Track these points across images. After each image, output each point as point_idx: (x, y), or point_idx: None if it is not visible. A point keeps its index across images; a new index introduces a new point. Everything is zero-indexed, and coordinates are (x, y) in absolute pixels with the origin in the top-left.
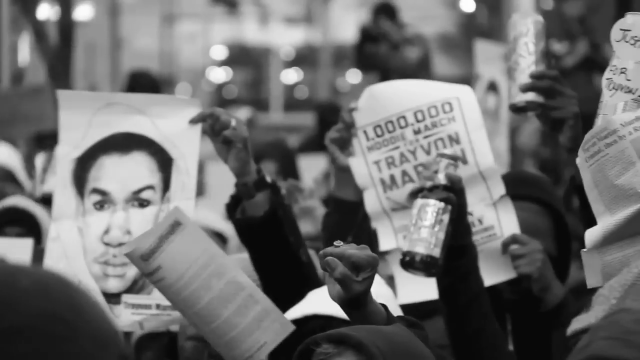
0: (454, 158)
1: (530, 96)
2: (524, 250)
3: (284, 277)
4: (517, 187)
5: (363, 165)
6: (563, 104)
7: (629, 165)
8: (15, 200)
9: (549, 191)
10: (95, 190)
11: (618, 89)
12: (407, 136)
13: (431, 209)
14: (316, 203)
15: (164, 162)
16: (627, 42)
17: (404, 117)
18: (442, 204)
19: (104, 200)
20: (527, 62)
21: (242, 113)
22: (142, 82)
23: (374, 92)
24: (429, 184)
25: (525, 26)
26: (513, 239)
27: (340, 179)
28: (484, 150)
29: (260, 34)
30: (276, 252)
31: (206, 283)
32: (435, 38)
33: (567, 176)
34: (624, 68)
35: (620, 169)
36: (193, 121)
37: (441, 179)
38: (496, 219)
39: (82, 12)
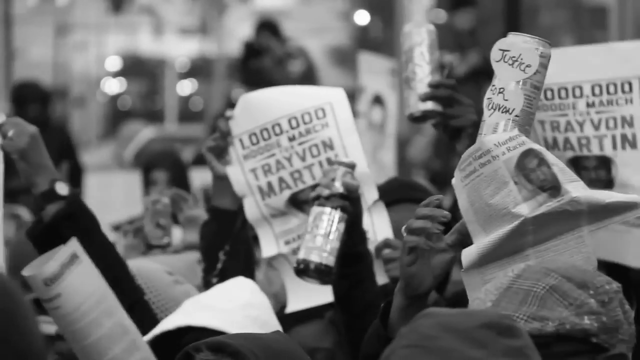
0: (351, 166)
1: (429, 105)
2: (395, 255)
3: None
4: (407, 191)
5: (240, 174)
6: (461, 112)
7: (502, 185)
8: None
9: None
10: None
11: (496, 108)
12: (282, 143)
13: (327, 217)
14: (201, 212)
15: None
16: (505, 62)
17: (278, 124)
18: (338, 213)
19: None
20: (425, 72)
21: (146, 132)
22: (29, 93)
23: (249, 100)
24: (326, 192)
25: (420, 36)
26: (385, 244)
27: (218, 188)
28: (357, 155)
29: (154, 44)
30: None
31: (98, 319)
32: (329, 50)
33: None
34: (502, 88)
35: (494, 188)
36: None
37: (338, 187)
38: (370, 223)
39: None
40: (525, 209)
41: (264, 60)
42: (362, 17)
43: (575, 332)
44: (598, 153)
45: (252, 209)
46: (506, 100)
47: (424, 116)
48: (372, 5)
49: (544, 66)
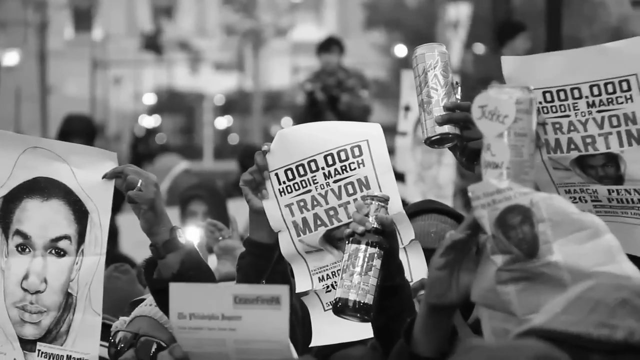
0: (384, 200)
1: (447, 128)
2: None
3: None
4: (429, 204)
5: (276, 208)
6: (479, 134)
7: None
8: None
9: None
10: (18, 232)
11: (488, 166)
12: (318, 180)
13: (363, 254)
14: (237, 243)
15: (80, 213)
16: (485, 117)
17: (314, 160)
18: (373, 249)
19: (25, 244)
20: (440, 95)
21: (180, 166)
22: (76, 127)
23: (285, 135)
24: (360, 228)
25: (434, 58)
26: (422, 284)
27: (254, 221)
28: (392, 194)
29: (191, 80)
30: None
31: None
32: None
33: None
34: (489, 144)
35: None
36: (105, 177)
37: (372, 222)
38: (406, 263)
39: (9, 58)
40: (499, 260)
41: (343, 96)
42: (401, 50)
43: None
44: (605, 151)
45: (287, 244)
46: (493, 155)
47: (442, 139)
48: (410, 38)
49: (524, 112)
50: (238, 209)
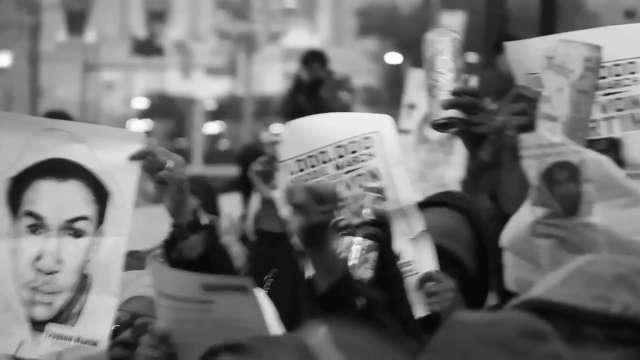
0: (380, 190)
1: (452, 112)
2: (437, 288)
3: None
4: (444, 196)
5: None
6: (484, 119)
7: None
8: None
9: (474, 207)
10: (29, 213)
11: (544, 117)
12: (329, 171)
13: (358, 246)
14: (233, 240)
15: (100, 194)
16: (550, 69)
17: (325, 152)
18: (368, 242)
19: (37, 225)
20: (447, 79)
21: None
22: None
23: (296, 126)
24: (355, 220)
25: (442, 44)
26: (429, 276)
27: (265, 211)
28: (403, 187)
29: (182, 84)
30: None
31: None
32: (360, 91)
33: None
34: (549, 96)
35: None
36: (132, 158)
37: (367, 214)
38: (415, 254)
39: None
40: (539, 212)
41: (321, 90)
42: (394, 58)
43: (639, 320)
44: (607, 135)
45: None
46: (552, 108)
47: (447, 124)
48: (403, 46)
49: (591, 70)
50: (230, 204)
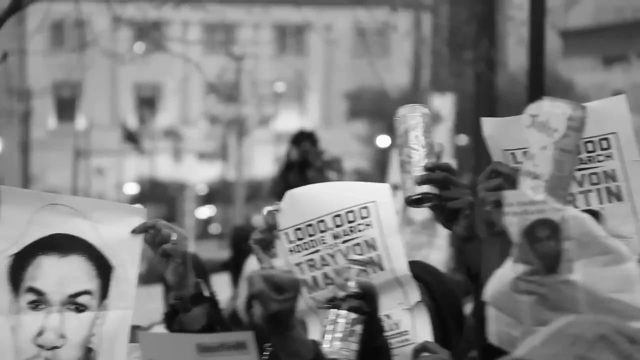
0: (364, 264)
1: (426, 188)
2: (431, 359)
3: None
4: (418, 270)
5: (286, 267)
6: (458, 194)
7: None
8: None
9: (438, 278)
10: (31, 290)
11: (528, 176)
12: (326, 240)
13: (343, 320)
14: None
15: (103, 268)
16: (534, 127)
17: (323, 221)
18: (354, 315)
19: (39, 301)
20: (420, 155)
21: None
22: None
23: (295, 195)
24: (341, 293)
25: (415, 119)
26: (423, 347)
27: None
28: (399, 257)
29: (173, 169)
30: None
31: None
32: (351, 173)
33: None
34: (532, 154)
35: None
36: (135, 231)
37: (352, 286)
38: (411, 325)
39: None
40: (520, 269)
41: (308, 171)
42: (384, 141)
43: None
44: (585, 208)
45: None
46: (536, 166)
47: (421, 199)
48: (393, 129)
49: (574, 129)
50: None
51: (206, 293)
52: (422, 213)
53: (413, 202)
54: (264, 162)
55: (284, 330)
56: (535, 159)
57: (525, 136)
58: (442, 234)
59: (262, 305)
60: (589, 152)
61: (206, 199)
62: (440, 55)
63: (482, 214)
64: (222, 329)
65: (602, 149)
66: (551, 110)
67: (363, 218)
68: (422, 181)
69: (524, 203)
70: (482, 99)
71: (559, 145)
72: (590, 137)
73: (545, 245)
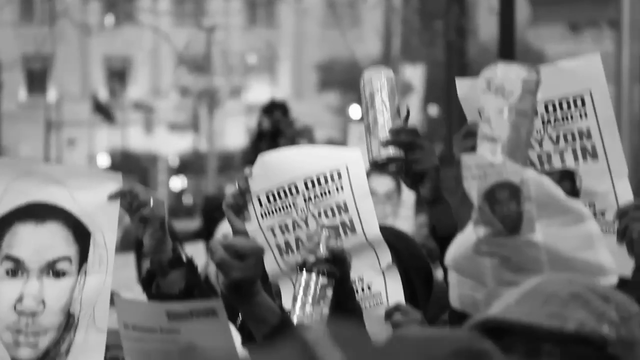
0: (335, 228)
1: (391, 151)
2: (404, 320)
3: None
4: (390, 236)
5: (258, 231)
6: (423, 156)
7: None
8: None
9: (404, 242)
10: (8, 257)
11: (485, 139)
12: (298, 204)
13: (314, 284)
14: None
15: (81, 234)
16: (490, 91)
17: (295, 185)
18: (324, 279)
19: (16, 268)
20: (386, 118)
21: None
22: None
23: (267, 159)
24: (311, 258)
25: (380, 82)
26: (396, 308)
27: None
28: (370, 219)
29: (145, 141)
30: None
31: None
32: (322, 143)
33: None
34: (489, 118)
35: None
36: (112, 197)
37: (323, 251)
38: (383, 286)
39: None
40: (481, 231)
41: (279, 140)
42: (356, 111)
43: (594, 337)
44: (560, 167)
45: (271, 264)
46: (492, 129)
47: (387, 162)
48: None
49: (529, 92)
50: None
51: (184, 257)
52: (385, 184)
53: (379, 165)
54: (235, 133)
55: (248, 297)
56: (492, 122)
57: (482, 100)
58: (408, 204)
59: (223, 274)
60: (563, 110)
61: (178, 171)
62: (411, 25)
63: (458, 174)
64: (200, 292)
65: (577, 107)
66: (506, 73)
67: (334, 181)
68: (387, 144)
69: (483, 166)
70: (453, 68)
71: (515, 108)
72: (565, 96)
73: (505, 207)
